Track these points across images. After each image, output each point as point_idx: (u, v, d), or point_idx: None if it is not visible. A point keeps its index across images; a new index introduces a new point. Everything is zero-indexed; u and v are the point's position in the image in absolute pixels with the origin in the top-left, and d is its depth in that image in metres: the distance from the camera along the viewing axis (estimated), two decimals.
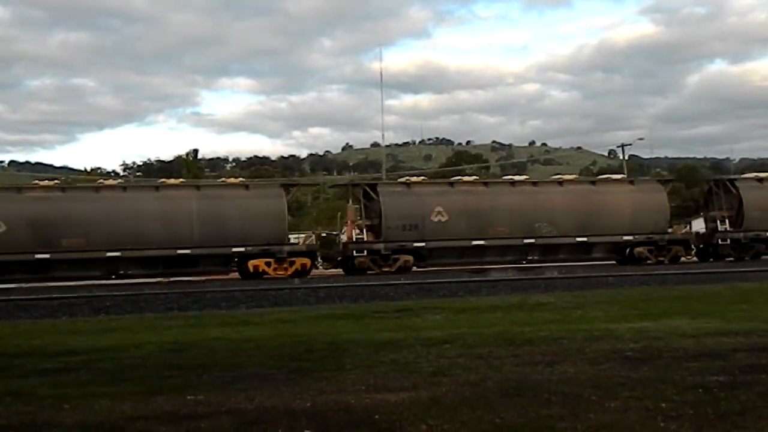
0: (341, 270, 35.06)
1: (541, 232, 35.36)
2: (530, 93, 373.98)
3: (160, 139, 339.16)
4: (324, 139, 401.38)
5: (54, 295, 23.86)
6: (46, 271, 30.98)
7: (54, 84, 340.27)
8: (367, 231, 34.22)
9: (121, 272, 31.63)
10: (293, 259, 32.74)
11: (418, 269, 34.03)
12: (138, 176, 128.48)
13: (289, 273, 32.13)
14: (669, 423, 5.70)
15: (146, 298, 22.16)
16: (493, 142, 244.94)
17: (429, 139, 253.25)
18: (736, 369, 7.85)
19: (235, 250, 32.37)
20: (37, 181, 35.22)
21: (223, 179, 39.28)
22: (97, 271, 31.53)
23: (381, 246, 33.64)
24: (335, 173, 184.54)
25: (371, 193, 34.88)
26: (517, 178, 40.07)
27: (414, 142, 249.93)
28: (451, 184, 37.38)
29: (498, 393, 6.91)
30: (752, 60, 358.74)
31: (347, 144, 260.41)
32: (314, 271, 34.20)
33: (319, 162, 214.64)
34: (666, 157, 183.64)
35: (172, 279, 32.55)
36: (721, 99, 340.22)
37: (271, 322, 15.24)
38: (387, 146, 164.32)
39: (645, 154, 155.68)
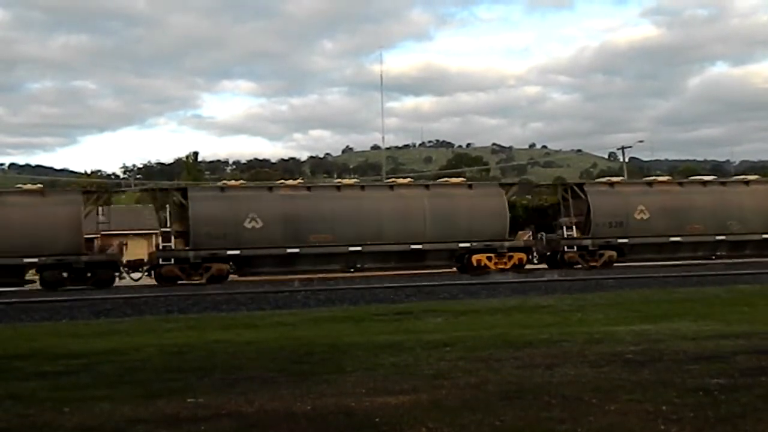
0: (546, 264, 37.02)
1: (732, 229, 37.08)
2: (531, 95, 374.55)
3: (160, 142, 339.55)
4: (325, 142, 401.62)
5: (54, 298, 23.88)
6: (292, 264, 32.95)
7: (55, 86, 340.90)
8: (576, 229, 36.28)
9: (358, 265, 33.65)
10: (512, 254, 34.66)
11: (619, 263, 35.74)
12: (138, 179, 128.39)
13: (508, 266, 34.07)
14: (669, 426, 5.70)
15: (146, 300, 22.16)
16: (493, 144, 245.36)
17: (429, 142, 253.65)
18: (736, 371, 7.85)
19: (462, 245, 34.24)
20: (283, 181, 38.12)
21: (446, 179, 40.24)
22: (339, 265, 33.55)
23: (589, 242, 35.69)
24: (335, 176, 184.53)
25: (579, 192, 36.74)
26: (706, 178, 41.31)
27: (414, 145, 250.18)
28: (650, 184, 39.15)
29: (498, 396, 6.92)
30: (754, 62, 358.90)
31: (347, 146, 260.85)
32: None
33: (320, 165, 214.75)
34: (666, 160, 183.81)
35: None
36: (722, 101, 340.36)
37: (272, 325, 15.24)
38: (387, 149, 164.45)
39: (645, 157, 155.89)
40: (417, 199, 34.61)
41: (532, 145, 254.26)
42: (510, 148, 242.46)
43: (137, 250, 37.96)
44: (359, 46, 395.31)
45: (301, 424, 6.11)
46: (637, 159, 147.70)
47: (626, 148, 74.25)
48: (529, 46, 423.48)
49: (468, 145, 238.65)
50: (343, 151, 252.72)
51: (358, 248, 33.05)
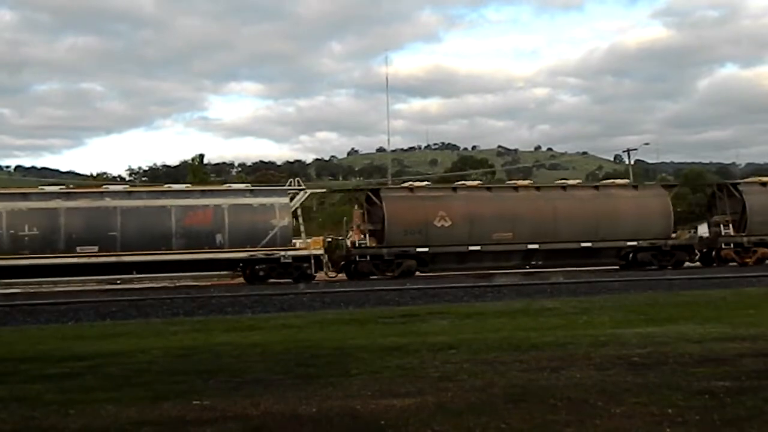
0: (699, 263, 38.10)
1: None
2: (539, 97, 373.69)
3: (167, 144, 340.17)
4: (331, 144, 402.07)
5: (60, 300, 23.92)
6: (473, 261, 34.30)
7: (62, 88, 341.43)
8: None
9: (533, 262, 35.09)
10: (674, 252, 35.85)
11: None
12: (144, 181, 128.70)
13: (671, 263, 35.23)
14: (675, 429, 5.69)
15: (152, 303, 22.18)
16: (499, 147, 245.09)
17: (434, 144, 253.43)
18: (742, 374, 7.83)
19: (629, 243, 35.46)
20: (463, 182, 39.41)
21: (612, 180, 41.99)
22: (516, 261, 35.01)
23: (744, 239, 36.65)
24: (341, 178, 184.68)
25: (733, 191, 37.65)
26: None
27: (420, 147, 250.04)
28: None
29: (504, 398, 6.91)
30: (765, 64, 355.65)
31: (353, 149, 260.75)
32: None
33: (325, 167, 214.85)
34: (672, 162, 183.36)
35: (177, 284, 32.66)
36: (731, 103, 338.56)
37: (277, 328, 15.25)
38: (393, 151, 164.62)
39: (651, 159, 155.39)
40: (588, 199, 36.22)
41: (538, 148, 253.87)
42: (515, 150, 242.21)
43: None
44: (367, 47, 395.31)
45: (307, 426, 6.11)
46: (643, 161, 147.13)
47: (632, 150, 74.28)
48: (538, 47, 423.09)
49: (473, 147, 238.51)
50: (349, 154, 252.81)
51: (536, 246, 34.46)
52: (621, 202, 36.12)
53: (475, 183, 39.57)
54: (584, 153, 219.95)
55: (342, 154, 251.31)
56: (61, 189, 34.39)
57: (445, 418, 6.15)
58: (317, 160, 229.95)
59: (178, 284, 32.68)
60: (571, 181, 40.22)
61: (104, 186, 38.49)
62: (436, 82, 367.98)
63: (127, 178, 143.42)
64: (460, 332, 13.07)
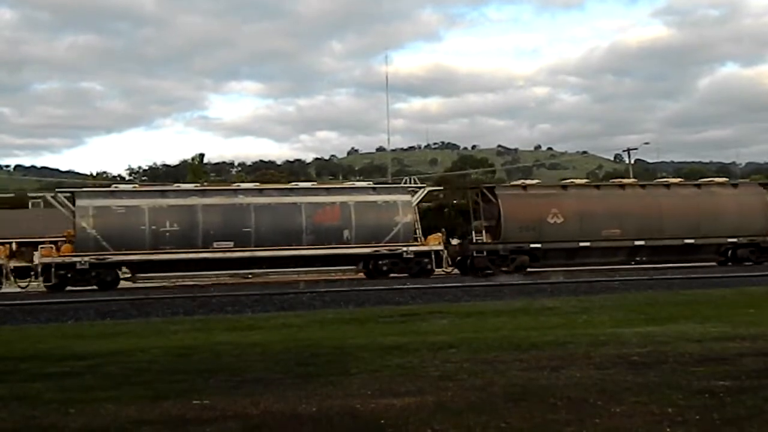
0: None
1: None
2: (540, 96, 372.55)
3: (167, 143, 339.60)
4: (331, 143, 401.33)
5: (60, 299, 23.92)
6: (581, 257, 34.79)
7: (62, 87, 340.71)
8: None
9: (637, 258, 35.60)
10: None
11: None
12: (144, 180, 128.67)
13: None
14: (675, 428, 5.69)
15: (152, 302, 22.18)
16: (499, 146, 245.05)
17: (434, 144, 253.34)
18: (742, 374, 7.84)
19: (729, 240, 35.95)
20: (572, 180, 40.02)
21: (711, 179, 42.52)
22: (622, 257, 35.41)
23: None
24: (341, 178, 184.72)
25: None
26: None
27: (420, 147, 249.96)
28: None
29: (504, 398, 6.91)
30: (766, 63, 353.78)
31: (353, 148, 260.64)
32: None
33: (325, 166, 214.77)
34: (672, 162, 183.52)
35: (177, 283, 32.65)
36: (731, 102, 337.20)
37: (277, 327, 15.26)
38: (392, 150, 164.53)
39: (651, 159, 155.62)
40: (690, 197, 36.75)
41: (538, 147, 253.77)
42: (515, 149, 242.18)
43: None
44: (368, 46, 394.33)
45: (307, 425, 6.11)
46: (643, 161, 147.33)
47: (632, 150, 74.20)
48: (539, 46, 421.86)
49: (473, 146, 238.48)
50: (349, 153, 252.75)
51: (641, 242, 35.00)
52: (722, 199, 36.84)
53: (583, 181, 40.74)
54: (584, 152, 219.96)
55: (342, 154, 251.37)
56: (196, 186, 35.96)
57: (445, 417, 6.16)
58: (317, 159, 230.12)
59: (177, 284, 32.66)
60: (672, 180, 41.58)
61: (235, 184, 38.89)
62: (436, 81, 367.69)
63: (127, 178, 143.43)
64: (460, 331, 13.07)
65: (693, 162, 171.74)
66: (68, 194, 32.41)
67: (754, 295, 19.62)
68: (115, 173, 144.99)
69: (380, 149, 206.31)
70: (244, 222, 31.61)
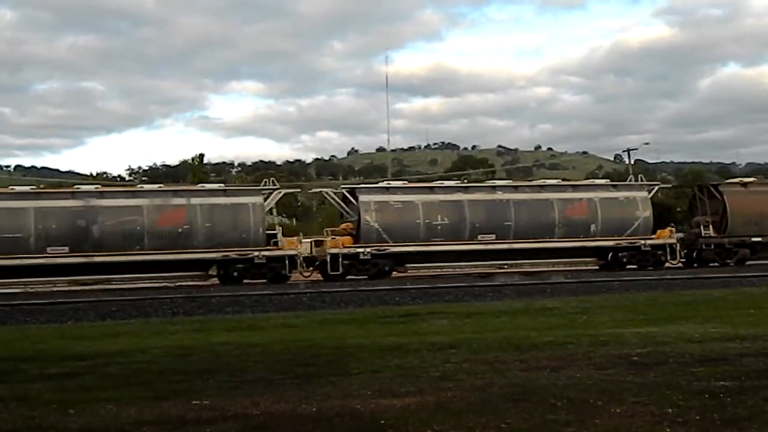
0: None
1: None
2: (541, 96, 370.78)
3: (167, 144, 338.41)
4: (332, 143, 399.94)
5: (60, 300, 23.91)
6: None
7: (62, 87, 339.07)
8: None
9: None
10: None
11: None
12: (144, 181, 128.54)
13: None
14: (675, 428, 5.69)
15: (152, 302, 22.18)
16: (499, 146, 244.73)
17: (434, 144, 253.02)
18: (742, 374, 7.83)
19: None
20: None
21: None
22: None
23: None
24: (341, 178, 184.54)
25: None
26: None
27: (420, 147, 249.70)
28: None
29: (504, 398, 6.91)
30: (767, 63, 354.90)
31: (353, 148, 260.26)
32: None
33: (325, 167, 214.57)
34: (672, 162, 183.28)
35: (177, 284, 32.63)
36: (733, 103, 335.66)
37: (277, 327, 15.26)
38: (393, 151, 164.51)
39: (651, 159, 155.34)
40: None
41: (538, 147, 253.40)
42: (515, 150, 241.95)
43: None
44: (369, 46, 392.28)
45: (307, 426, 6.11)
46: (643, 161, 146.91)
47: (632, 150, 74.13)
48: (541, 46, 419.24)
49: (473, 147, 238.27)
50: (349, 153, 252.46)
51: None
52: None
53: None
54: (584, 153, 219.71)
55: (342, 154, 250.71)
56: (458, 183, 39.15)
57: (445, 418, 6.15)
58: (317, 159, 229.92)
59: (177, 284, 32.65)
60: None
61: (491, 181, 41.25)
62: (437, 81, 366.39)
63: (127, 178, 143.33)
64: (460, 332, 13.08)
65: (693, 162, 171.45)
66: (348, 190, 34.90)
67: (754, 295, 19.64)
68: (115, 173, 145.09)
69: (380, 149, 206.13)
70: (505, 216, 34.07)
